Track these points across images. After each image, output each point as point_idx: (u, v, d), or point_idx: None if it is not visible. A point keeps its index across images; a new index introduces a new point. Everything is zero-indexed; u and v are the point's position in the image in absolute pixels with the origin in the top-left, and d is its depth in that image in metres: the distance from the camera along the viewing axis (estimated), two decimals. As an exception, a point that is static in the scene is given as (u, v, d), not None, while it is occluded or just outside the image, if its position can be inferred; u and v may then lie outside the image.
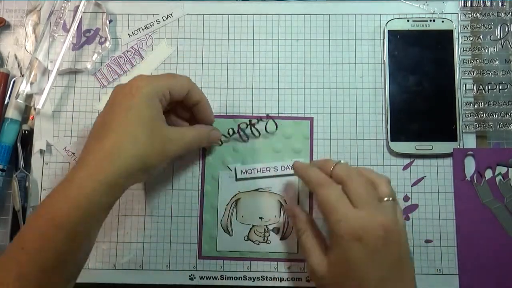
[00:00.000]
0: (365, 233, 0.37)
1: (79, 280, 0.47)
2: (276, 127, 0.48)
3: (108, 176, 0.37)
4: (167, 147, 0.40)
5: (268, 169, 0.48)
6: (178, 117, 0.46)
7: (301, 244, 0.43)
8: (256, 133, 0.48)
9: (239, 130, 0.48)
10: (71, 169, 0.39)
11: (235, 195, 0.48)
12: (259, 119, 0.48)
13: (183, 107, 0.45)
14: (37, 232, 0.35)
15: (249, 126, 0.48)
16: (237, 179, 0.48)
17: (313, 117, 0.49)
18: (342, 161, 0.42)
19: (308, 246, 0.42)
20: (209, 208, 0.48)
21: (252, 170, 0.48)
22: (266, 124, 0.48)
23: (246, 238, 0.48)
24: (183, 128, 0.45)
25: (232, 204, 0.48)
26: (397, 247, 0.38)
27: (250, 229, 0.48)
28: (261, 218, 0.48)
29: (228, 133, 0.48)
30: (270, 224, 0.48)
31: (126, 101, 0.39)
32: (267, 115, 0.48)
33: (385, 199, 0.39)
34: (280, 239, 0.48)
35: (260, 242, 0.47)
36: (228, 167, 0.48)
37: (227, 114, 0.49)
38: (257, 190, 0.48)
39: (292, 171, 0.48)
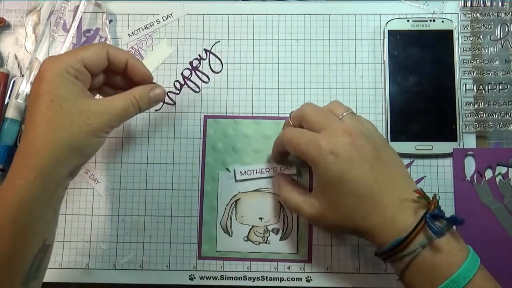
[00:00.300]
0: (333, 145, 0.38)
1: (79, 280, 0.47)
2: (222, 64, 0.48)
3: (33, 170, 0.36)
4: (92, 123, 0.38)
5: (267, 170, 0.48)
6: (117, 89, 0.44)
7: (289, 207, 0.43)
8: (205, 78, 0.47)
9: (185, 80, 0.47)
10: None
11: (235, 195, 0.48)
12: (200, 58, 0.47)
13: (118, 75, 0.43)
14: None
15: (193, 71, 0.46)
16: (236, 181, 0.48)
17: None
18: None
19: (297, 202, 0.42)
20: (209, 208, 0.48)
21: (252, 171, 0.48)
22: (209, 63, 0.47)
23: (245, 238, 0.48)
24: (111, 97, 0.41)
25: (231, 204, 0.48)
26: (371, 147, 0.38)
27: (250, 229, 0.48)
28: (261, 218, 0.48)
29: (176, 87, 0.47)
30: (270, 225, 0.48)
31: (37, 88, 0.37)
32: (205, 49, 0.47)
33: (344, 114, 0.40)
34: (280, 240, 0.47)
35: (260, 243, 0.47)
36: (227, 169, 0.48)
37: (227, 114, 0.49)
38: (256, 190, 0.48)
39: (292, 172, 0.48)
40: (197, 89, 0.50)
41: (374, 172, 0.38)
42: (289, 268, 0.47)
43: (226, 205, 0.48)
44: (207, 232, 0.48)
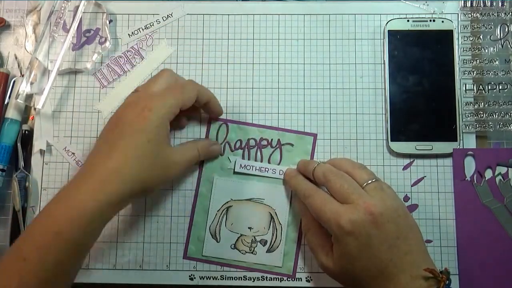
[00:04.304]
0: (353, 225, 0.38)
1: (79, 280, 0.47)
2: (280, 159, 0.48)
3: (110, 197, 0.37)
4: (169, 171, 0.42)
5: (266, 169, 0.48)
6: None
7: (307, 241, 0.45)
8: (259, 158, 0.48)
9: (246, 147, 0.48)
10: (74, 180, 0.39)
11: (227, 202, 0.48)
12: (269, 145, 0.48)
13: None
14: (39, 243, 0.36)
15: (257, 147, 0.48)
16: (234, 172, 0.48)
17: (317, 134, 0.49)
18: (320, 162, 0.45)
19: (313, 244, 0.43)
20: (201, 210, 0.48)
21: (251, 167, 0.48)
22: (272, 153, 0.48)
23: (233, 246, 0.47)
24: (184, 148, 0.45)
25: (223, 211, 0.48)
26: (393, 225, 0.39)
27: (238, 238, 0.47)
28: (250, 228, 0.48)
29: (234, 146, 0.48)
30: (258, 235, 0.47)
31: (137, 123, 0.39)
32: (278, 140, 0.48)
33: (364, 184, 0.40)
34: (267, 252, 0.47)
35: (246, 252, 0.47)
36: (228, 158, 0.48)
37: (227, 115, 0.49)
38: (250, 200, 0.48)
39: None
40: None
41: (391, 251, 0.38)
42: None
43: (218, 211, 0.48)
44: (196, 234, 0.48)
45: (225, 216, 0.48)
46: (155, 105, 0.40)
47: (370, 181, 0.41)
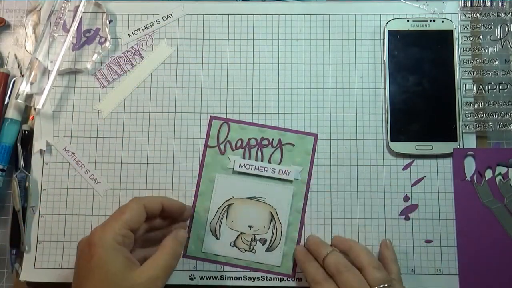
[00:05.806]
0: None
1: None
2: (281, 159, 0.48)
3: None
4: None
5: (265, 168, 0.48)
6: (156, 231, 0.45)
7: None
8: (259, 157, 0.48)
9: (247, 146, 0.48)
10: None
11: (228, 199, 0.48)
12: (270, 145, 0.48)
13: (154, 219, 0.44)
14: None
15: (257, 147, 0.48)
16: (233, 172, 0.48)
17: (318, 134, 0.49)
18: (333, 249, 0.44)
19: None
20: (201, 209, 0.48)
21: (251, 166, 0.48)
22: (273, 152, 0.48)
23: (232, 244, 0.47)
24: (151, 261, 0.40)
25: (224, 208, 0.48)
26: None
27: (238, 235, 0.47)
28: (250, 226, 0.48)
29: (235, 146, 0.48)
30: (258, 234, 0.47)
31: (88, 263, 0.38)
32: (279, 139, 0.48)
33: (375, 287, 0.40)
34: (266, 251, 0.47)
35: (245, 250, 0.47)
36: (228, 158, 0.48)
37: (228, 115, 0.49)
38: (251, 198, 0.48)
39: (288, 178, 0.48)
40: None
41: None
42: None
43: (219, 208, 0.48)
44: (196, 233, 0.48)
45: (225, 213, 0.48)
46: (97, 237, 0.38)
47: (382, 286, 0.40)
